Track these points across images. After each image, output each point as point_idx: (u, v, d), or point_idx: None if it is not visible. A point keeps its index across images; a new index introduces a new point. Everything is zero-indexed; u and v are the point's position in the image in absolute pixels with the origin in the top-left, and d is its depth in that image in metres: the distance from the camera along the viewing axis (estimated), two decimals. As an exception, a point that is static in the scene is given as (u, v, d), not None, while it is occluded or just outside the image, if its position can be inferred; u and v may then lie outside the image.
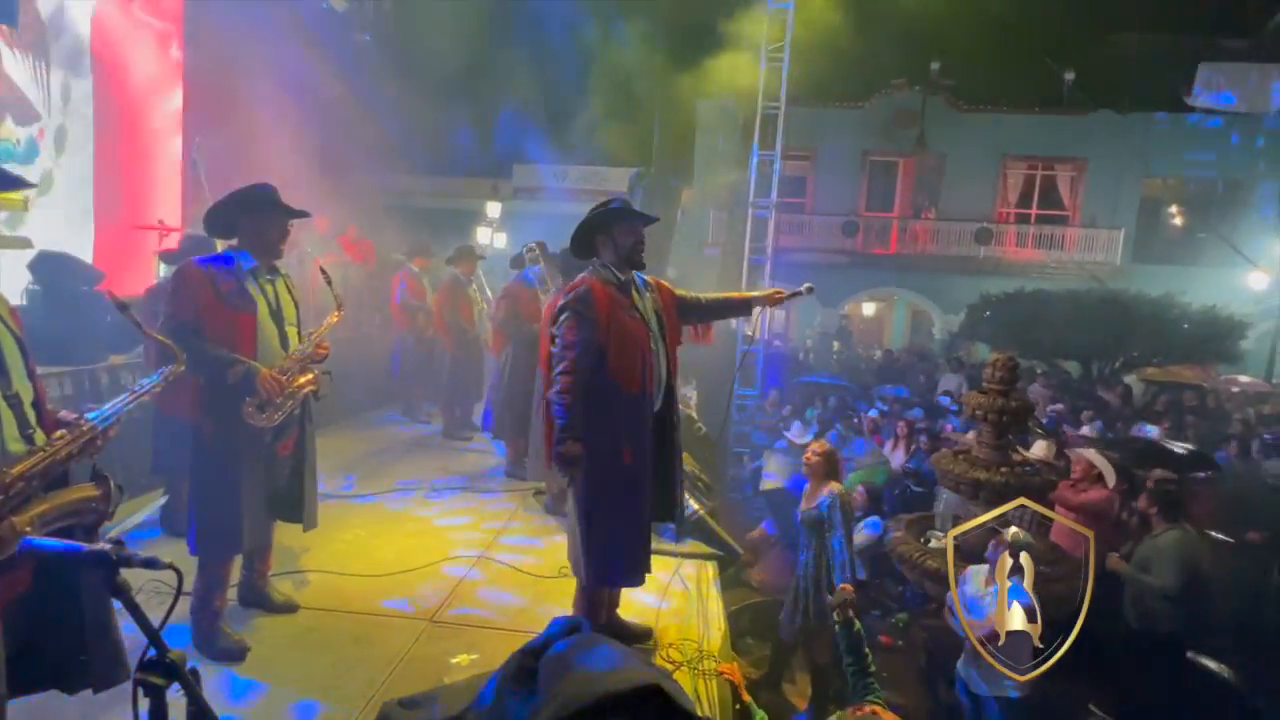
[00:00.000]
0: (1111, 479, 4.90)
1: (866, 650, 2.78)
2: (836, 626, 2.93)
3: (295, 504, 2.78)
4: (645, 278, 2.72)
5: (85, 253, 5.25)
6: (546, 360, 2.64)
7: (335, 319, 2.84)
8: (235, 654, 2.53)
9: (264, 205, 2.62)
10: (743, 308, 2.79)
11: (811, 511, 3.75)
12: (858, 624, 2.85)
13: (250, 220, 2.62)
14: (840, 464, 3.87)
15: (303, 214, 2.71)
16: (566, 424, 2.45)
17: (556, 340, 2.52)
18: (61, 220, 5.31)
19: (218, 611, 2.57)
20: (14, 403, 1.52)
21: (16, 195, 4.52)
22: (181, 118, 6.81)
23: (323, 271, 2.92)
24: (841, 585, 3.12)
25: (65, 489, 1.51)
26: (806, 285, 2.81)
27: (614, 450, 2.50)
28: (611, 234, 2.60)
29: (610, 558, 2.59)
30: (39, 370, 1.66)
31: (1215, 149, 15.57)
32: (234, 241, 2.65)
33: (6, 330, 1.58)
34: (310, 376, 2.68)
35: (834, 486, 3.72)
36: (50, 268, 4.61)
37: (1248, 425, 7.72)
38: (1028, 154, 16.44)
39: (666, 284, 2.79)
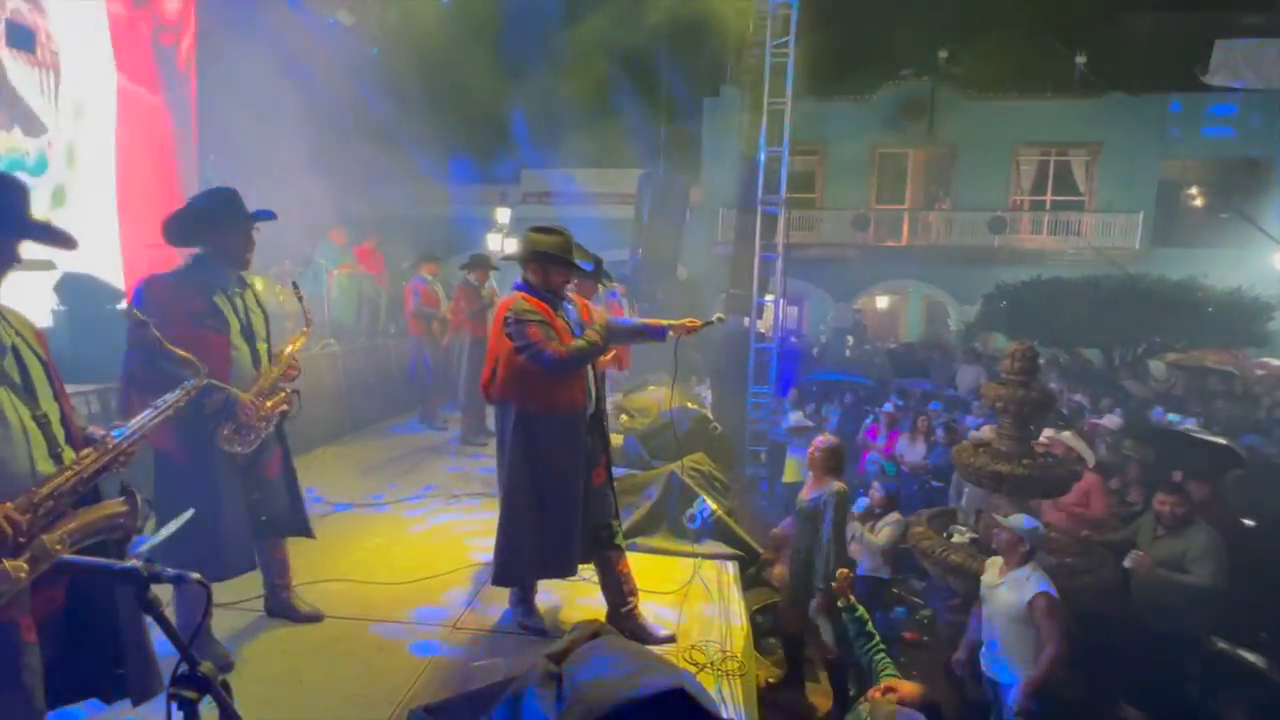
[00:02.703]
0: (1091, 460, 4.84)
1: (872, 630, 2.79)
2: (841, 613, 2.93)
3: (297, 519, 2.79)
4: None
5: (110, 268, 5.29)
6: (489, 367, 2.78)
7: (304, 337, 2.75)
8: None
9: (225, 213, 2.46)
10: (656, 334, 2.84)
11: (807, 504, 3.77)
12: (860, 609, 2.85)
13: (213, 230, 2.45)
14: (844, 461, 3.88)
15: (268, 216, 2.55)
16: (585, 351, 2.61)
17: (523, 349, 2.61)
18: (82, 235, 5.32)
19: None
20: (42, 423, 1.56)
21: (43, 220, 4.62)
22: (195, 135, 6.92)
23: (295, 287, 2.86)
24: (840, 570, 3.13)
25: (94, 505, 1.54)
26: (718, 315, 3.02)
27: (547, 454, 2.69)
28: (547, 271, 2.75)
29: (546, 553, 2.75)
30: (70, 388, 1.69)
31: (1234, 127, 15.24)
32: (196, 251, 2.50)
33: (32, 353, 1.61)
34: (281, 396, 2.58)
35: (834, 484, 3.72)
36: (74, 288, 4.71)
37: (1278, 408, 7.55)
38: (1040, 140, 16.20)
39: (586, 301, 2.98)
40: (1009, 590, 3.24)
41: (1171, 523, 3.88)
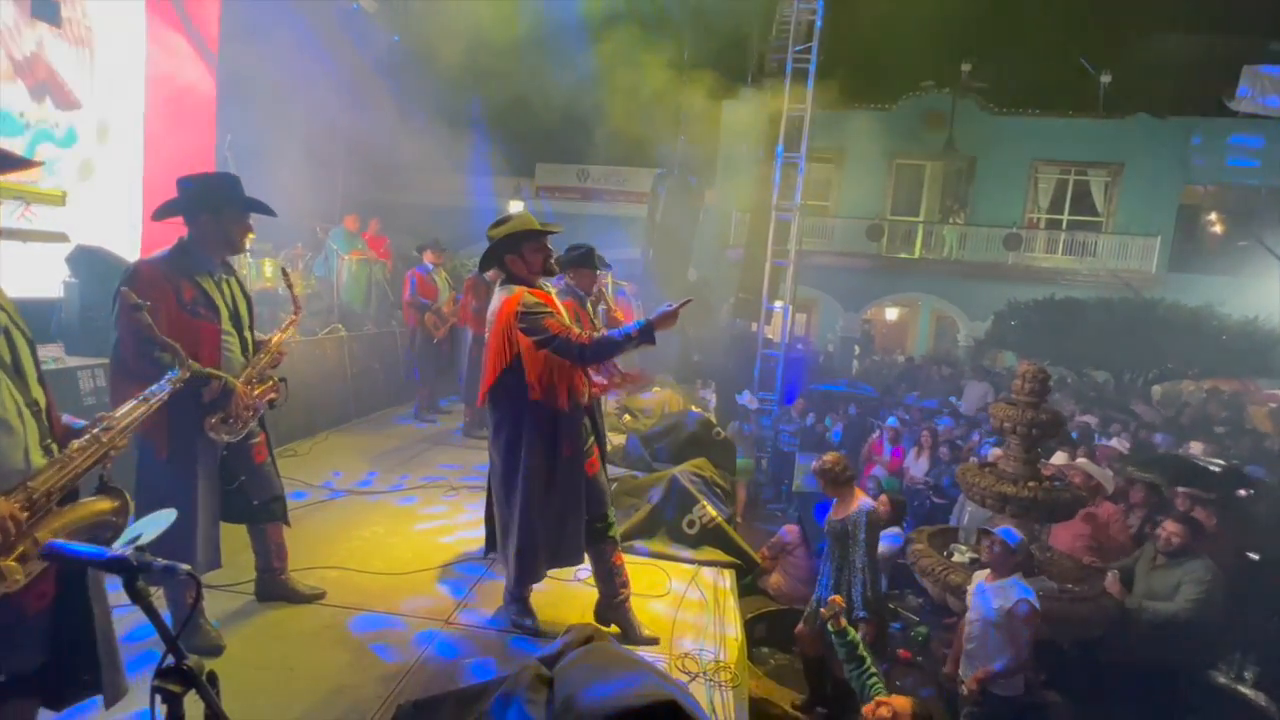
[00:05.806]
0: (1110, 487, 4.78)
1: (864, 654, 2.80)
2: (832, 636, 2.91)
3: (282, 503, 2.79)
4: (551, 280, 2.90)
5: (131, 243, 5.34)
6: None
7: (295, 323, 2.73)
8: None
9: (227, 200, 2.42)
10: (646, 338, 2.81)
11: (838, 523, 3.67)
12: (851, 632, 2.85)
13: (212, 216, 2.40)
14: (848, 472, 3.77)
15: (267, 210, 2.51)
16: (611, 344, 2.51)
17: (545, 342, 2.55)
18: (105, 210, 5.41)
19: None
20: (34, 410, 1.44)
21: (56, 192, 4.61)
22: (214, 115, 6.94)
23: (284, 273, 2.88)
24: (831, 598, 3.09)
25: (82, 502, 1.45)
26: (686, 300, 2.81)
27: (553, 445, 2.66)
28: (521, 253, 2.69)
29: (563, 542, 2.74)
30: (76, 361, 1.63)
31: (1259, 155, 15.07)
32: (182, 236, 2.44)
33: (20, 333, 1.48)
34: (269, 384, 2.57)
35: (864, 502, 3.64)
36: (86, 261, 4.72)
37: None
38: (1060, 158, 16.07)
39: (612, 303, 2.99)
40: (992, 596, 3.29)
41: (1171, 551, 3.83)
